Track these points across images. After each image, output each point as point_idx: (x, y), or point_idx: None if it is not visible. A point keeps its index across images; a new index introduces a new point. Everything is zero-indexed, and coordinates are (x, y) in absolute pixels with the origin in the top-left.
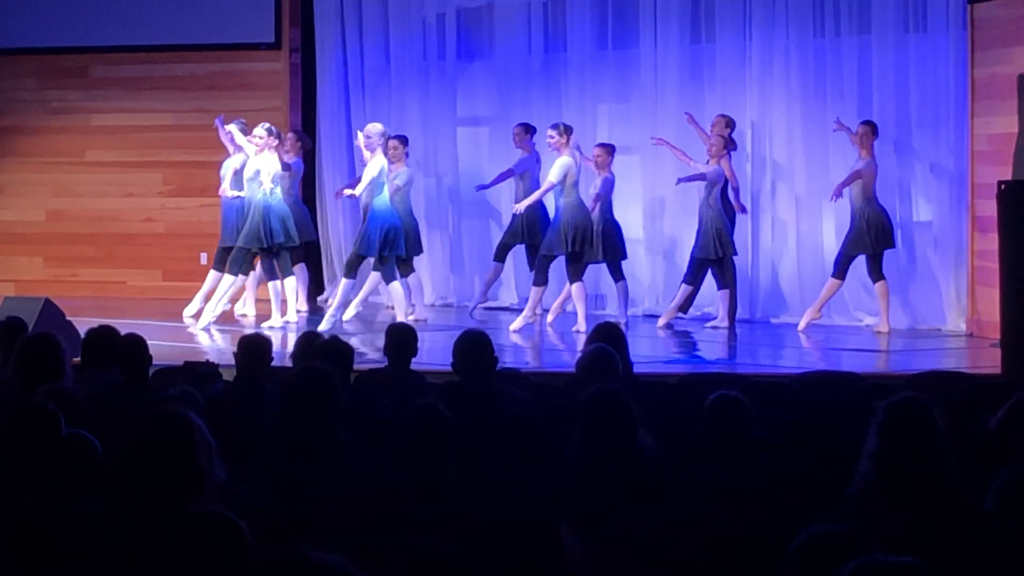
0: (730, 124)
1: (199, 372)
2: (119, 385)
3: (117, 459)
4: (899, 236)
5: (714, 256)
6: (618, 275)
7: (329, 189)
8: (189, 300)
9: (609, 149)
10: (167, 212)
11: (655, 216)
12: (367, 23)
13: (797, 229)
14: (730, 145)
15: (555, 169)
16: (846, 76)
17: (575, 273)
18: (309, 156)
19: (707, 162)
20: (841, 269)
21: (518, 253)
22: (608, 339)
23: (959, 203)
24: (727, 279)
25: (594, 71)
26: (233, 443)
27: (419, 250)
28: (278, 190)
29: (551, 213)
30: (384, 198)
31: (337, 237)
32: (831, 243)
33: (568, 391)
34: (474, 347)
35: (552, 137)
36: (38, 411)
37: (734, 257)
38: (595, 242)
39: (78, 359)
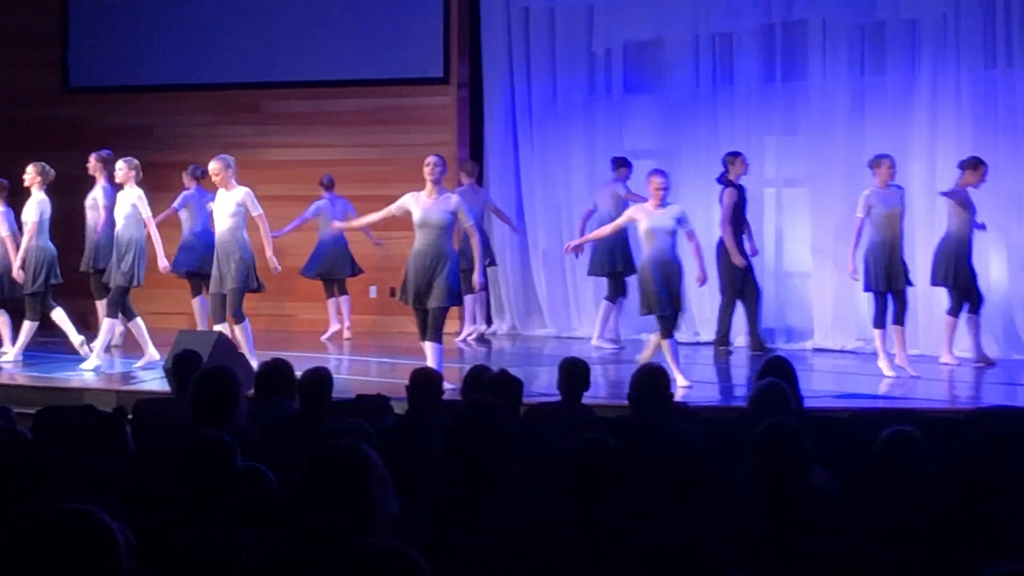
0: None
1: (371, 405)
2: (294, 418)
3: (292, 492)
4: None
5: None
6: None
7: (496, 222)
8: (358, 333)
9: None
10: None
11: (823, 249)
12: (534, 57)
13: None
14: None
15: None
16: (1018, 108)
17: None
18: None
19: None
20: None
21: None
22: (779, 373)
23: None
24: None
25: (761, 103)
26: (403, 476)
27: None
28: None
29: None
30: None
31: (504, 268)
32: (1001, 277)
33: (739, 426)
34: (650, 381)
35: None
36: (215, 444)
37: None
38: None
39: (251, 392)
